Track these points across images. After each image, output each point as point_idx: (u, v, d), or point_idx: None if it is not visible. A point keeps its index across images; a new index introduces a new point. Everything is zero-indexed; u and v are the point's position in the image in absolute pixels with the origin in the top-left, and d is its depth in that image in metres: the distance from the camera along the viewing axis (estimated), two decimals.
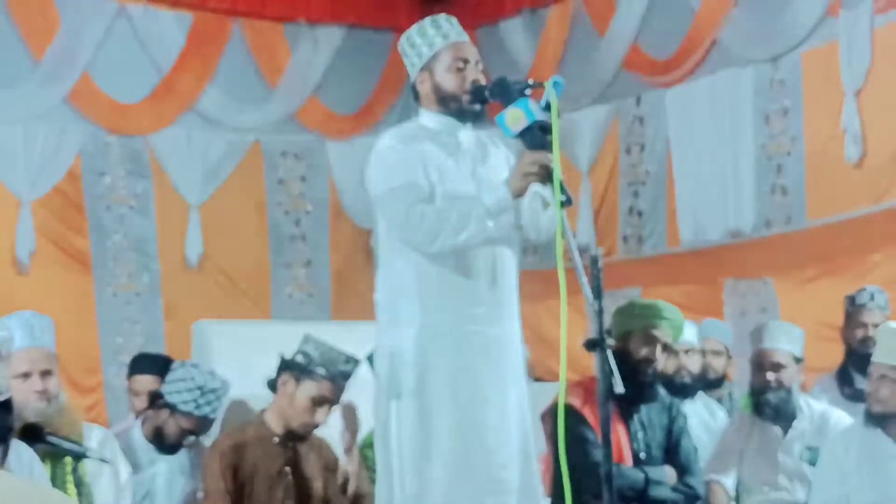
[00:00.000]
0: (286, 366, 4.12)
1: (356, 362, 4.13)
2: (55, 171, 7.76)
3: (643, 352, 4.13)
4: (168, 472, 4.40)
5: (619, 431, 4.06)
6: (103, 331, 7.84)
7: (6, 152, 7.60)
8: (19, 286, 7.40)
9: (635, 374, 4.02)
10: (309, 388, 4.04)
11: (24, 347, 3.68)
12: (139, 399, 4.88)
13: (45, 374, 3.70)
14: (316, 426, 4.09)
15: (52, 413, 3.66)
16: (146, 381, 4.92)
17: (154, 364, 5.12)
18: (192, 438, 4.38)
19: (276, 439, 4.07)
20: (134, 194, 8.08)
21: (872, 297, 5.05)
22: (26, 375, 3.65)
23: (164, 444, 4.38)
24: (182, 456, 4.44)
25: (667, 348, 4.22)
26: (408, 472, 3.36)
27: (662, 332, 4.18)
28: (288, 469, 4.04)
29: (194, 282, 8.18)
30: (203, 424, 4.37)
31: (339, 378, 4.08)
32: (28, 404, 3.58)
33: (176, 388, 4.30)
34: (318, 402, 4.05)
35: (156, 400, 4.39)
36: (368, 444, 4.22)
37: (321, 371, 4.04)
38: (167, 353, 6.10)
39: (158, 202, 8.16)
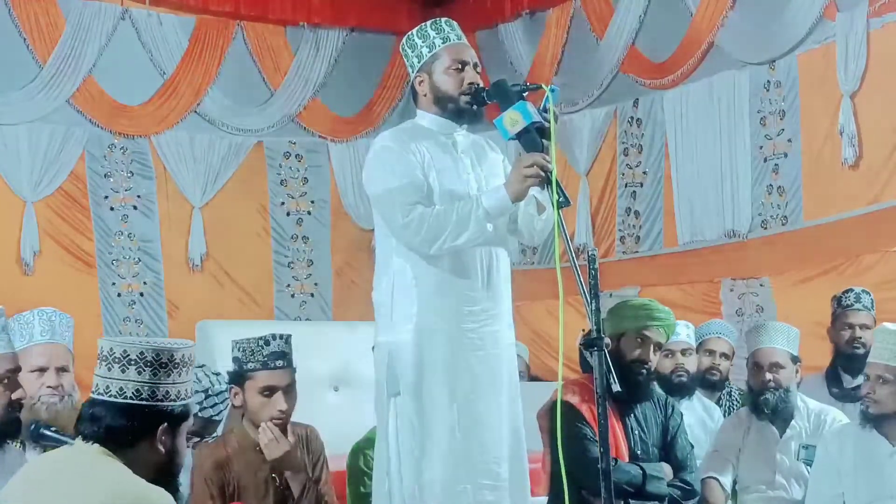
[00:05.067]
0: (229, 381, 4.04)
1: (281, 337, 3.95)
2: (59, 172, 7.84)
3: (636, 352, 4.13)
4: None
5: (615, 429, 4.06)
6: (107, 330, 7.89)
7: (11, 153, 7.67)
8: (24, 286, 7.47)
9: (629, 374, 4.03)
10: (251, 387, 3.91)
11: (44, 343, 3.70)
12: None
13: (62, 370, 3.70)
14: (283, 413, 3.91)
15: (63, 410, 3.64)
16: None
17: None
18: (196, 439, 4.37)
19: (258, 448, 3.93)
20: (137, 195, 8.15)
21: (858, 299, 5.06)
22: (42, 370, 3.65)
23: None
24: (187, 456, 4.43)
25: (659, 348, 4.23)
26: (406, 468, 3.39)
27: (655, 333, 4.17)
28: (275, 476, 3.90)
29: (197, 282, 8.25)
30: (207, 426, 4.34)
31: (271, 362, 3.90)
32: (40, 399, 3.58)
33: None
34: (268, 391, 3.89)
35: None
36: (369, 443, 4.19)
37: (251, 366, 3.90)
38: None
39: (162, 203, 8.22)
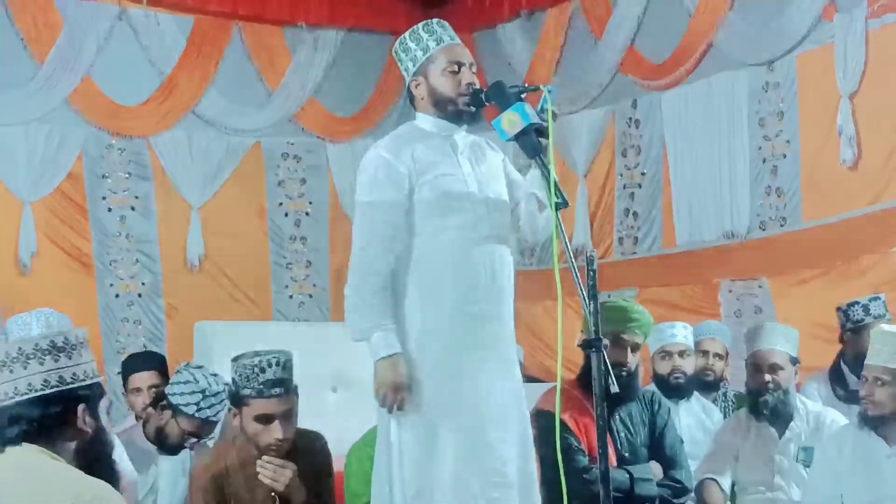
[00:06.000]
0: (229, 400, 3.96)
1: (278, 364, 3.81)
2: (57, 172, 7.82)
3: (613, 356, 4.16)
4: (170, 472, 4.37)
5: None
6: (105, 331, 7.89)
7: (8, 154, 7.66)
8: (21, 287, 7.45)
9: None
10: (248, 413, 3.80)
11: None
12: (140, 396, 4.89)
13: None
14: (280, 441, 3.81)
15: None
16: (146, 377, 4.93)
17: (148, 360, 5.15)
18: (193, 440, 4.36)
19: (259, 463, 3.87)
20: (135, 196, 8.14)
21: (886, 308, 5.04)
22: None
23: (165, 444, 4.36)
24: (184, 456, 4.41)
25: (637, 348, 4.25)
26: (409, 471, 3.36)
27: (631, 335, 4.20)
28: (275, 495, 3.81)
29: (195, 283, 8.24)
30: (205, 427, 4.32)
31: (266, 390, 3.76)
32: None
33: (179, 390, 4.27)
34: (265, 420, 3.79)
35: (160, 399, 4.38)
36: (367, 443, 4.18)
37: (247, 392, 3.77)
38: (169, 353, 6.12)
39: (160, 204, 8.22)
